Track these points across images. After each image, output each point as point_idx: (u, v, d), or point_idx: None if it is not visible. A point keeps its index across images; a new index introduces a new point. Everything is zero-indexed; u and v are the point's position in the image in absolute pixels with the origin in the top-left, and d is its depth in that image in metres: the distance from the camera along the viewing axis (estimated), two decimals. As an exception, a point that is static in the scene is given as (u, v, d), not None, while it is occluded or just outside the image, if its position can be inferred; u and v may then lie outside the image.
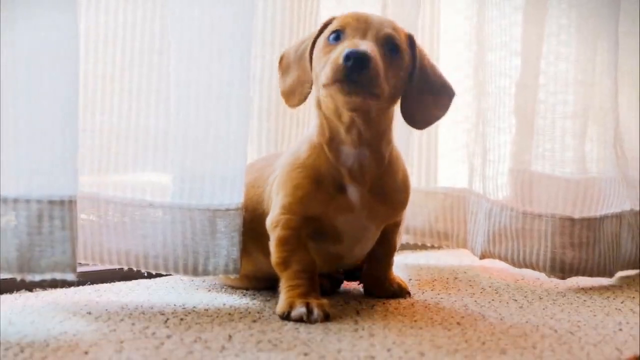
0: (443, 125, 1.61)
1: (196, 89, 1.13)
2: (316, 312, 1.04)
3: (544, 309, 1.17)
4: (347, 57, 0.98)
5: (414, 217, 1.60)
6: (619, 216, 1.44)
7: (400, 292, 1.22)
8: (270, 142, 1.38)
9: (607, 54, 1.44)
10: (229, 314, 1.08)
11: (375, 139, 1.10)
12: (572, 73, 1.43)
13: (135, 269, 1.16)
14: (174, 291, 1.23)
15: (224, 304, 1.15)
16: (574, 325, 1.07)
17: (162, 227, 1.14)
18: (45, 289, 1.20)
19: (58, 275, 0.98)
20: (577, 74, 1.43)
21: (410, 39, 1.11)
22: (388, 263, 1.23)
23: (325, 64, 1.03)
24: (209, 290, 1.24)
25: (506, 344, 0.95)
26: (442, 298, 1.23)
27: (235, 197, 1.15)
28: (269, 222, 1.12)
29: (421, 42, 1.34)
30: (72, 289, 1.22)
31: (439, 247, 1.71)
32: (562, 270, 1.38)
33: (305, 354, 0.88)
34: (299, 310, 1.04)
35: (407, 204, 1.18)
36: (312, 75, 1.09)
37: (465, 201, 1.55)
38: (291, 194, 1.09)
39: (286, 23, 1.36)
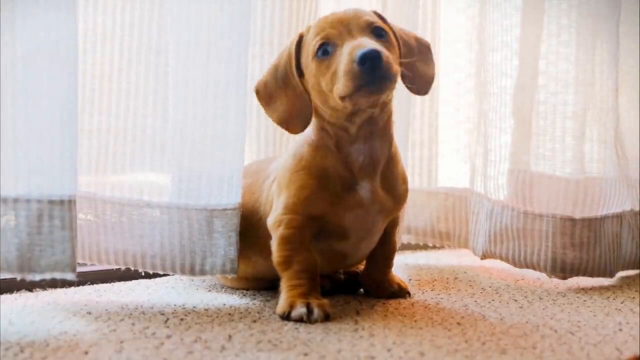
0: (444, 126, 1.61)
1: (194, 88, 1.13)
2: (316, 312, 1.04)
3: (544, 309, 1.17)
4: (363, 60, 0.98)
5: (416, 217, 1.60)
6: (619, 216, 1.43)
7: (400, 292, 1.22)
8: (269, 142, 1.38)
9: (607, 54, 1.44)
10: (229, 314, 1.08)
11: (386, 123, 1.11)
12: (572, 73, 1.43)
13: (133, 269, 1.16)
14: (174, 291, 1.23)
15: (224, 304, 1.15)
16: (574, 325, 1.07)
17: (160, 226, 1.14)
18: (45, 289, 1.20)
19: (58, 275, 0.99)
20: (578, 74, 1.43)
21: (380, 16, 1.11)
22: (388, 264, 1.23)
23: (334, 78, 1.02)
24: (209, 290, 1.24)
25: (506, 344, 0.95)
26: (442, 298, 1.23)
27: (232, 197, 1.15)
28: (271, 221, 1.11)
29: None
30: (72, 289, 1.22)
31: (441, 247, 1.71)
32: (562, 270, 1.38)
33: (305, 354, 0.88)
34: (300, 310, 1.04)
35: (407, 197, 1.19)
36: (307, 96, 1.09)
37: (466, 201, 1.54)
38: (295, 194, 1.09)
39: (285, 23, 1.36)
